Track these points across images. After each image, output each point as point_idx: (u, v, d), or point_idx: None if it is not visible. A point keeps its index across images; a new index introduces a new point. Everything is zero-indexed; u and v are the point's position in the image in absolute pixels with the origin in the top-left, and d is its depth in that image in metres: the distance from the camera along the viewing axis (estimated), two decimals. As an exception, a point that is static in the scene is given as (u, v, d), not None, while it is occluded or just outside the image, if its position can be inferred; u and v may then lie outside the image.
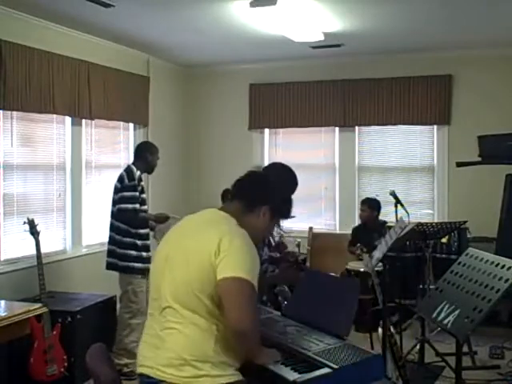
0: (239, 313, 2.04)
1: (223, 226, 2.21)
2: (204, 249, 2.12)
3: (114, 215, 4.59)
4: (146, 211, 4.72)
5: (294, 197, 2.77)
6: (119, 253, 4.47)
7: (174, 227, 2.41)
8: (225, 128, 7.23)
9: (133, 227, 4.49)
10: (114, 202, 4.57)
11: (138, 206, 4.50)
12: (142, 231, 4.55)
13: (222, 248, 2.09)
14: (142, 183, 4.69)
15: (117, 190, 4.56)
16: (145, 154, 4.73)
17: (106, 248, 4.64)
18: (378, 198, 5.91)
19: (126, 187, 4.50)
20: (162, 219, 4.65)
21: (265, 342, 2.38)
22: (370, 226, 5.80)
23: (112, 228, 4.59)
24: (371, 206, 5.85)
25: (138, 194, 4.53)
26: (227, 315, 2.05)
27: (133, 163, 4.70)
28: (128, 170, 4.61)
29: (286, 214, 2.52)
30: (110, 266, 4.56)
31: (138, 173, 4.63)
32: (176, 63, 7.04)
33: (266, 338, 2.42)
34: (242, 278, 2.05)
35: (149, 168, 4.80)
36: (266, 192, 2.39)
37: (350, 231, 6.09)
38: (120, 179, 4.57)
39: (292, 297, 2.98)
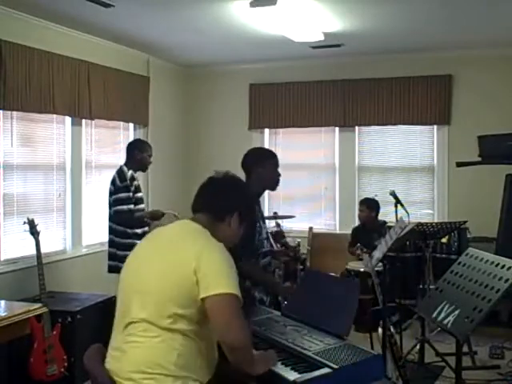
0: (232, 328, 2.03)
1: (199, 239, 2.16)
2: (181, 264, 2.07)
3: (110, 218, 4.60)
4: (142, 210, 4.72)
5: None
6: (121, 255, 4.47)
7: (144, 240, 2.36)
8: (225, 128, 7.23)
9: (129, 228, 4.50)
10: (110, 205, 4.59)
11: (132, 206, 4.51)
12: (139, 231, 4.56)
13: (202, 264, 2.05)
14: (136, 182, 4.68)
15: (111, 193, 4.59)
16: (133, 152, 4.74)
17: (106, 248, 4.65)
18: (376, 198, 5.91)
19: (119, 189, 4.51)
20: (157, 216, 4.66)
21: (264, 342, 2.39)
22: (369, 227, 5.79)
23: (110, 231, 4.61)
24: (369, 206, 5.84)
25: (131, 194, 4.55)
26: (220, 332, 2.05)
27: (124, 163, 4.71)
28: (119, 171, 4.63)
29: (250, 215, 2.48)
30: (111, 269, 4.56)
31: (130, 172, 4.63)
32: (176, 63, 7.04)
33: (266, 338, 2.42)
34: (228, 293, 2.04)
35: (142, 166, 4.79)
36: (231, 200, 2.34)
37: (350, 231, 6.09)
38: (112, 181, 4.61)
39: (292, 297, 2.98)
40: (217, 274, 2.06)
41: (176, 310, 2.03)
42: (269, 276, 3.38)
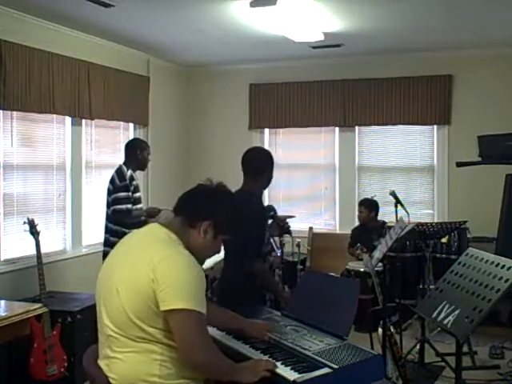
0: (190, 347, 1.97)
1: (161, 247, 2.05)
2: (139, 275, 1.99)
3: (108, 217, 4.60)
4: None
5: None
6: None
7: (117, 246, 2.25)
8: (225, 128, 7.23)
9: (126, 228, 4.49)
10: (108, 204, 4.58)
11: (130, 206, 4.51)
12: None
13: (158, 275, 1.96)
14: (135, 182, 4.69)
15: (109, 192, 4.59)
16: (133, 151, 4.75)
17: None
18: (375, 198, 5.90)
19: (118, 188, 4.51)
20: (154, 213, 4.65)
21: (264, 343, 2.39)
22: (368, 227, 5.79)
23: (106, 230, 4.60)
24: (368, 206, 5.84)
25: (130, 193, 4.55)
26: (179, 350, 1.99)
27: (124, 163, 4.71)
28: (118, 170, 4.62)
29: (229, 230, 2.25)
30: None
31: (129, 172, 4.63)
32: (176, 63, 7.04)
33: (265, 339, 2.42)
34: (186, 310, 1.95)
35: (141, 165, 4.80)
36: (209, 205, 2.18)
37: (350, 231, 6.09)
38: (111, 180, 4.60)
39: (292, 297, 2.98)
40: (174, 288, 1.96)
41: (144, 323, 1.98)
42: (276, 283, 3.42)
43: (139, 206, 4.72)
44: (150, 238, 2.14)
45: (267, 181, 3.37)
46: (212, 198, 2.22)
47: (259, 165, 3.32)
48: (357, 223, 6.16)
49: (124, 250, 2.20)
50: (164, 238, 2.11)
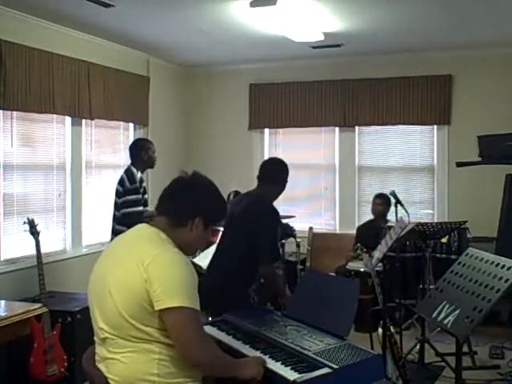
0: (187, 345, 1.97)
1: (152, 247, 2.04)
2: (131, 275, 1.98)
3: (117, 219, 4.57)
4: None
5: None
6: None
7: (107, 248, 2.25)
8: (225, 128, 7.23)
9: None
10: (117, 206, 4.56)
11: (141, 208, 4.51)
12: None
13: (151, 275, 1.95)
14: (144, 184, 4.71)
15: (119, 194, 4.56)
16: (137, 153, 4.75)
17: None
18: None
19: (129, 191, 4.50)
20: None
21: (264, 343, 2.39)
22: (377, 223, 5.74)
23: (113, 231, 4.58)
24: (386, 200, 5.73)
25: (140, 196, 4.55)
26: (176, 348, 1.98)
27: (131, 163, 4.71)
28: (128, 172, 4.61)
29: (219, 219, 2.28)
30: None
31: (139, 174, 4.64)
32: (176, 63, 7.04)
33: (266, 338, 2.42)
34: (181, 307, 1.94)
35: (150, 163, 4.81)
36: (193, 202, 2.16)
37: (350, 231, 6.05)
38: (121, 182, 4.58)
39: (292, 297, 2.98)
40: (167, 286, 1.96)
41: (139, 322, 1.97)
42: (283, 288, 3.47)
43: (147, 208, 4.73)
44: (140, 239, 2.14)
45: (280, 191, 3.48)
46: (193, 192, 2.19)
47: (278, 174, 3.47)
48: (356, 223, 6.13)
49: (115, 251, 2.19)
50: (154, 237, 2.11)
